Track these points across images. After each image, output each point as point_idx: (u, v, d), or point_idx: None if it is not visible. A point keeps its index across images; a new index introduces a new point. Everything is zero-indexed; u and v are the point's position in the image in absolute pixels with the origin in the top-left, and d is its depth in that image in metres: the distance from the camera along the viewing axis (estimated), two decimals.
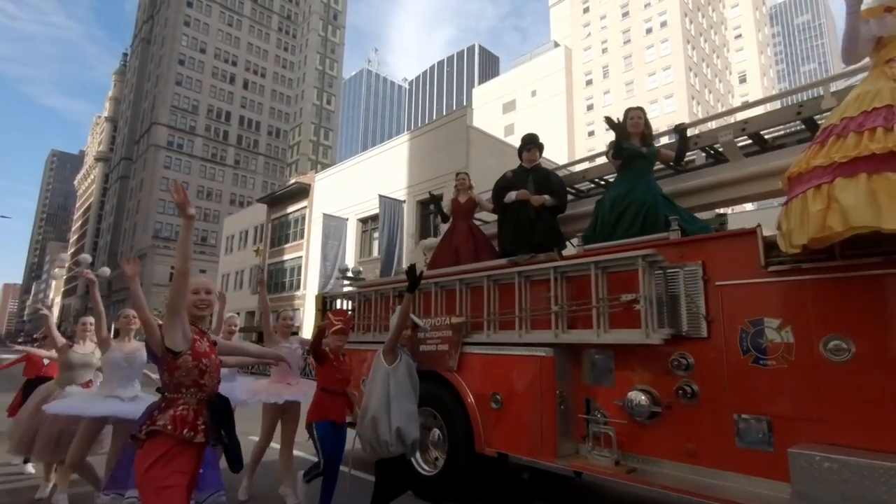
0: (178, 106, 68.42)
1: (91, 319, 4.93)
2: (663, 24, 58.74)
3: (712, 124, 4.58)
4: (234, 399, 5.12)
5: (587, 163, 5.45)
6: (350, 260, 26.14)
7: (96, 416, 4.05)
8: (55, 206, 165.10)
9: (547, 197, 4.84)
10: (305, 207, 32.58)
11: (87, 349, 5.01)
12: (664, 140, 4.97)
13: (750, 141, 4.17)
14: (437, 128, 25.20)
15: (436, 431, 4.92)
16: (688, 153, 4.34)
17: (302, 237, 32.62)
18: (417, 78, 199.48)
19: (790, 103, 4.06)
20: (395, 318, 3.85)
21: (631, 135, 4.33)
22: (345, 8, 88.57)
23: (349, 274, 6.26)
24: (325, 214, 26.33)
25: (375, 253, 23.77)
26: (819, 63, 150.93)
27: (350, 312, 6.15)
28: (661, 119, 49.37)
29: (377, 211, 23.06)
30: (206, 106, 70.56)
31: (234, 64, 73.60)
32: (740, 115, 4.29)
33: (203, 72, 70.75)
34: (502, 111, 69.84)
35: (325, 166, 65.69)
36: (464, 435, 4.48)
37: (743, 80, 63.78)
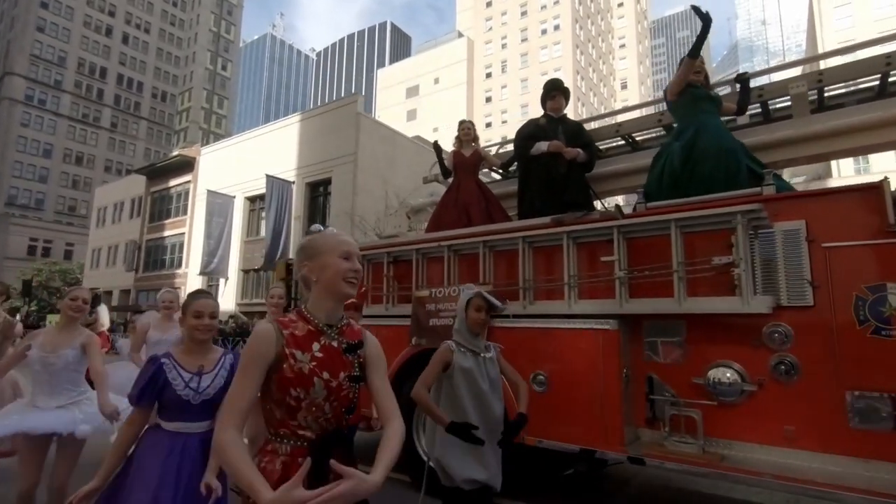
0: (39, 56, 57.85)
1: None
2: (556, 28, 60.97)
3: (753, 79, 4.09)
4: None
5: (612, 118, 4.82)
6: (236, 239, 24.64)
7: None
8: None
9: (580, 151, 4.14)
10: (189, 182, 30.06)
11: None
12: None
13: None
14: (328, 112, 24.67)
15: None
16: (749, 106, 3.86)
17: (185, 213, 30.19)
18: (326, 49, 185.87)
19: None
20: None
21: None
22: None
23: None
24: (209, 191, 25.09)
25: (263, 233, 22.94)
26: None
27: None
28: None
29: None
30: (75, 59, 60.34)
31: (112, 14, 63.54)
32: (792, 70, 3.88)
33: (72, 19, 60.28)
34: (406, 95, 68.63)
35: (218, 137, 59.89)
36: None
37: (624, 86, 68.50)
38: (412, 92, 68.25)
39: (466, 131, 4.80)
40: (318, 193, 23.90)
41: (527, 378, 3.60)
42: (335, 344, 1.50)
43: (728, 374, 3.07)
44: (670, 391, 3.28)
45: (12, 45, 57.48)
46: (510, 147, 4.93)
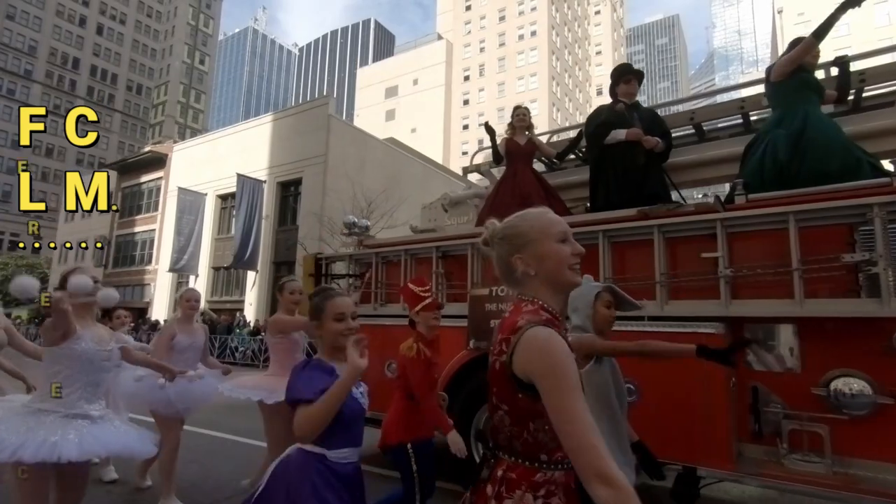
0: (8, 44, 54.70)
1: None
2: (533, 34, 60.93)
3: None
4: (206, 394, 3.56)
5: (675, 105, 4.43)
6: (207, 237, 24.07)
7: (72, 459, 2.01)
8: None
9: (659, 140, 3.72)
10: (161, 178, 29.19)
11: None
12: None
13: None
14: (300, 112, 24.64)
15: None
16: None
17: (156, 209, 29.32)
18: (309, 45, 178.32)
19: None
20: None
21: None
22: None
23: (356, 230, 4.49)
24: (180, 188, 24.55)
25: (234, 231, 22.72)
26: (672, 82, 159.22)
27: (354, 279, 4.46)
28: None
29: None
30: (47, 48, 57.26)
31: (86, 4, 60.45)
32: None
33: (44, 8, 57.16)
34: (385, 95, 67.60)
35: (195, 131, 57.92)
36: None
37: (600, 92, 68.92)
38: (391, 92, 67.30)
39: (521, 118, 4.32)
40: (288, 193, 23.75)
41: None
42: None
43: (854, 385, 2.69)
44: (780, 403, 2.88)
45: None
46: (555, 137, 4.48)
